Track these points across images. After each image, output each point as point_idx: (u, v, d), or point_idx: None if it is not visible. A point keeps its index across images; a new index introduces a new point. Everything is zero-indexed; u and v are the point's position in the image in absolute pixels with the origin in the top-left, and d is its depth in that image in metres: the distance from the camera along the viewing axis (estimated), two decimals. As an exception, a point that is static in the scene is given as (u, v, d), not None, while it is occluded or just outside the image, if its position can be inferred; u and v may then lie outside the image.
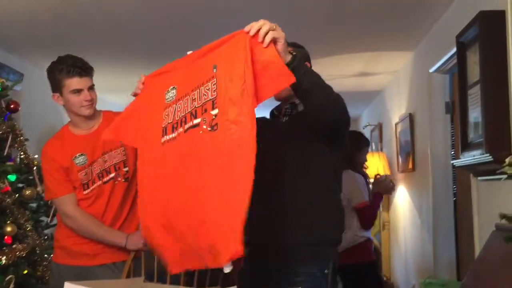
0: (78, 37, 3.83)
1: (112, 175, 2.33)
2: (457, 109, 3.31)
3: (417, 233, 4.38)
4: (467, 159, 2.71)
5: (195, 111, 1.56)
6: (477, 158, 2.55)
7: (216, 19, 3.64)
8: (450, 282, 3.28)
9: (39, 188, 3.33)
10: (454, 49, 2.98)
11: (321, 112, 1.68)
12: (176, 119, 1.61)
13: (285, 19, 3.51)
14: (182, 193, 1.59)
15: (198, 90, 1.56)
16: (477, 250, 2.87)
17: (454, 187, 3.77)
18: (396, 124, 5.07)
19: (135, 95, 1.88)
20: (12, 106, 3.47)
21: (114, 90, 5.83)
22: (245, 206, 1.41)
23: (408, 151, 4.54)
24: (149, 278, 2.27)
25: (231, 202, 1.45)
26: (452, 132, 3.75)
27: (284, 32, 1.52)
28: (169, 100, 1.66)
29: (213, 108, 1.52)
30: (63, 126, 2.43)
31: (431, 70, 3.79)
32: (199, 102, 1.56)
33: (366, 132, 6.69)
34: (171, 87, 1.66)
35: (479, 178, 2.80)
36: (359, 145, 3.44)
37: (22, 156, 3.40)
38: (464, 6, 3.01)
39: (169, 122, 1.63)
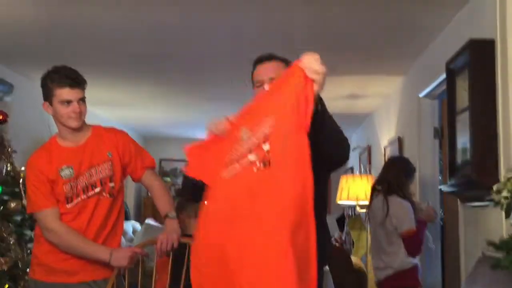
0: (69, 50, 3.83)
1: (97, 189, 2.29)
2: (445, 134, 3.33)
3: (404, 257, 4.36)
4: (455, 184, 2.72)
5: (252, 148, 1.59)
6: (464, 184, 2.56)
7: (205, 45, 3.67)
8: (436, 308, 3.26)
9: (24, 201, 3.28)
10: (444, 75, 3.01)
11: (328, 156, 1.73)
12: (238, 154, 1.63)
13: (276, 41, 3.55)
14: (238, 231, 1.57)
15: (258, 126, 1.60)
16: (463, 275, 2.86)
17: (442, 212, 3.78)
18: (385, 148, 5.09)
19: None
20: (0, 117, 3.43)
21: (103, 104, 5.82)
22: (313, 244, 1.45)
23: (397, 174, 4.55)
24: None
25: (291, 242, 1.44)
26: (440, 156, 3.77)
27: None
28: (243, 139, 1.66)
29: (265, 144, 1.55)
30: (51, 138, 2.38)
31: (420, 95, 3.82)
32: (256, 140, 1.59)
33: (355, 155, 6.71)
34: (243, 128, 1.66)
35: (467, 203, 2.81)
36: (408, 172, 3.40)
37: (9, 168, 3.36)
38: (455, 34, 3.05)
39: (232, 158, 1.64)
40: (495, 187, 1.81)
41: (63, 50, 3.83)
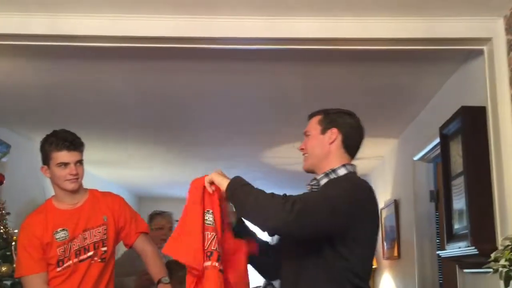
0: (67, 112, 3.86)
1: (90, 253, 2.27)
2: (441, 197, 3.33)
3: (403, 324, 4.26)
4: (453, 250, 2.69)
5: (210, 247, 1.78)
6: (462, 250, 2.54)
7: (201, 107, 3.72)
8: None
9: (15, 265, 3.20)
10: (438, 139, 3.05)
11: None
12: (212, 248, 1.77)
13: (271, 102, 3.61)
14: None
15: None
16: None
17: (440, 276, 3.72)
18: (381, 210, 5.07)
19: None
20: (-2, 178, 3.41)
21: (98, 164, 5.82)
22: None
23: (393, 237, 4.51)
24: None
25: None
26: (437, 220, 3.75)
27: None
28: (208, 223, 1.80)
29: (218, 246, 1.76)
30: (47, 200, 2.38)
31: (415, 158, 3.85)
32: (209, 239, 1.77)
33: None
34: (207, 210, 1.82)
35: (465, 270, 2.77)
36: None
37: (1, 231, 3.30)
38: (446, 100, 3.11)
39: (206, 248, 1.77)
40: (493, 255, 1.79)
41: (61, 112, 3.87)
